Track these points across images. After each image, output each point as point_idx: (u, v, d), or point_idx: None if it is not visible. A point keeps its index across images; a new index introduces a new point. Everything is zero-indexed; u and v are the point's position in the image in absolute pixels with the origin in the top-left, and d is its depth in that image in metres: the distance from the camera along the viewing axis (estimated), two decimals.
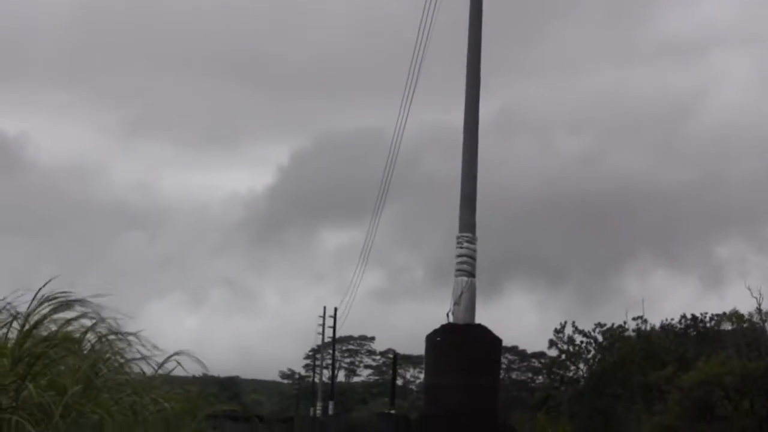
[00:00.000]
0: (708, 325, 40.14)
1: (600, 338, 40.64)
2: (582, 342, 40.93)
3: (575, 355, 40.98)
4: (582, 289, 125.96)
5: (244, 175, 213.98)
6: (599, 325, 41.25)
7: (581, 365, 41.27)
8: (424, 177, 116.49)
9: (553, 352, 42.54)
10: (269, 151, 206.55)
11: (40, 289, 8.92)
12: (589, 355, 40.84)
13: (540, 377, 75.37)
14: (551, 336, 41.75)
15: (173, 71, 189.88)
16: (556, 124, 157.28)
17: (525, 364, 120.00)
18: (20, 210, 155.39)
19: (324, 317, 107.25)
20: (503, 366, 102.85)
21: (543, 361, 56.59)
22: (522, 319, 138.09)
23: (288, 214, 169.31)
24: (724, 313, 40.18)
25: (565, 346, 41.06)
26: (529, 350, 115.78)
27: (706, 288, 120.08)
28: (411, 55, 37.76)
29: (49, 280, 8.99)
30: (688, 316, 40.36)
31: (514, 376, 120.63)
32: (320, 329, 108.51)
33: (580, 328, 41.22)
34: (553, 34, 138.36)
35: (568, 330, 41.33)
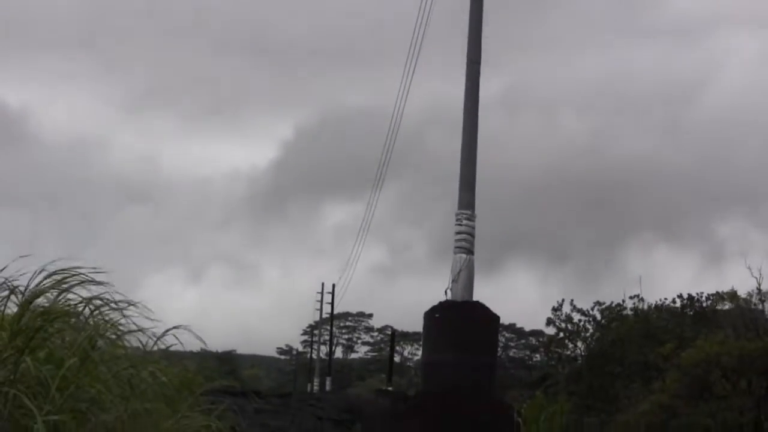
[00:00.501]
0: (704, 305, 40.18)
1: (598, 316, 40.67)
2: (580, 320, 40.98)
3: (573, 333, 41.02)
4: (583, 268, 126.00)
5: (247, 150, 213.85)
6: (598, 303, 41.28)
7: (579, 344, 41.31)
8: (428, 153, 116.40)
9: (551, 331, 42.61)
10: (273, 126, 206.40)
11: (44, 266, 8.92)
12: (587, 334, 40.89)
13: (538, 355, 75.60)
14: (549, 314, 41.81)
15: (177, 44, 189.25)
16: (561, 103, 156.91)
17: (523, 342, 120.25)
18: (21, 182, 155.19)
19: (322, 293, 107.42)
20: (501, 344, 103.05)
21: (541, 339, 56.71)
22: (521, 297, 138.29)
23: (291, 189, 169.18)
24: (717, 293, 40.25)
25: (563, 325, 41.08)
26: (527, 328, 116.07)
27: (707, 267, 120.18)
28: (414, 30, 37.55)
29: (53, 261, 8.98)
30: (688, 295, 40.41)
31: (512, 353, 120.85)
32: (319, 305, 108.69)
33: (579, 306, 41.28)
34: (559, 13, 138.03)
35: (567, 308, 41.38)
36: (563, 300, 41.71)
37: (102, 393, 8.36)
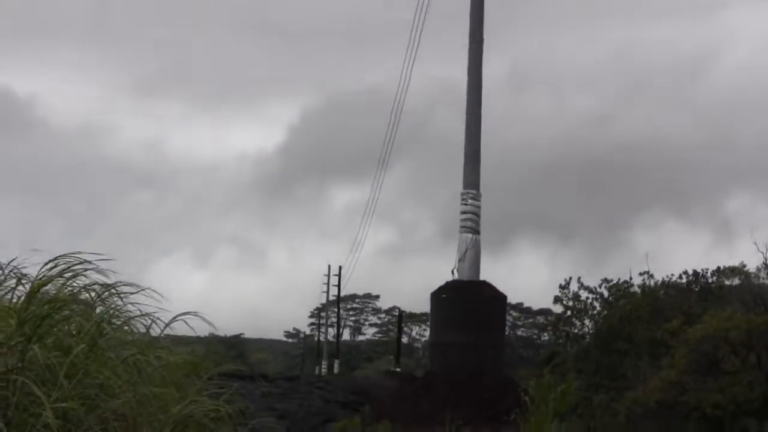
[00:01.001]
0: (710, 280, 40.19)
1: (606, 294, 40.62)
2: (587, 298, 40.92)
3: (581, 311, 40.98)
4: (590, 246, 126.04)
5: (254, 134, 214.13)
6: (605, 280, 41.21)
7: (587, 321, 41.29)
8: (435, 133, 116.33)
9: (558, 309, 42.57)
10: (280, 110, 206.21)
11: (51, 253, 8.91)
12: (595, 311, 40.83)
13: (546, 334, 75.52)
14: (557, 292, 41.77)
15: (183, 29, 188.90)
16: (568, 81, 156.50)
17: (530, 320, 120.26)
18: (31, 170, 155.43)
19: (329, 276, 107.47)
20: (508, 323, 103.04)
21: (549, 318, 56.68)
22: (528, 276, 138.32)
23: (298, 173, 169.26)
24: (719, 268, 40.25)
25: (571, 303, 41.04)
26: (535, 307, 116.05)
27: (715, 243, 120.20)
28: (416, 11, 37.38)
29: (60, 247, 8.95)
30: (696, 271, 40.37)
31: (519, 333, 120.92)
32: (326, 288, 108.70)
33: (587, 284, 41.23)
34: None
35: (574, 286, 41.31)
36: (570, 278, 41.69)
37: (110, 379, 8.36)
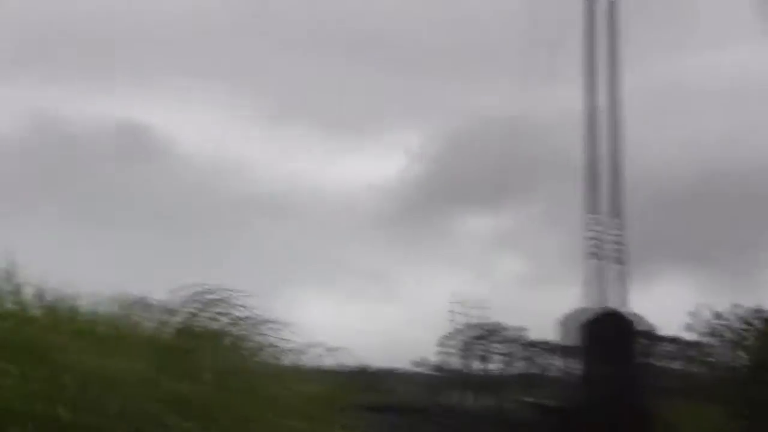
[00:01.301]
0: None
1: (755, 324, 39.27)
2: (735, 328, 39.61)
3: (728, 340, 39.69)
4: (734, 272, 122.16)
5: (378, 162, 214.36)
6: (755, 310, 39.82)
7: (734, 351, 39.94)
8: (568, 158, 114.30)
9: (703, 339, 41.25)
10: (406, 137, 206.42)
11: (187, 287, 8.92)
12: (745, 342, 39.51)
13: (689, 364, 73.80)
14: (700, 321, 40.54)
15: (305, 57, 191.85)
16: (709, 100, 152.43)
17: (671, 350, 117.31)
18: (161, 203, 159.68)
19: (460, 305, 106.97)
20: (646, 352, 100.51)
21: (692, 347, 55.03)
22: (670, 303, 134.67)
23: (428, 201, 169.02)
24: None
25: (718, 332, 39.78)
26: (677, 335, 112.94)
27: None
28: (542, 33, 36.76)
29: (195, 281, 8.94)
30: None
31: (659, 363, 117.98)
32: (459, 317, 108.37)
33: (735, 312, 39.89)
34: (701, 8, 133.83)
35: (720, 315, 40.02)
36: (718, 307, 40.40)
37: (245, 411, 8.28)
